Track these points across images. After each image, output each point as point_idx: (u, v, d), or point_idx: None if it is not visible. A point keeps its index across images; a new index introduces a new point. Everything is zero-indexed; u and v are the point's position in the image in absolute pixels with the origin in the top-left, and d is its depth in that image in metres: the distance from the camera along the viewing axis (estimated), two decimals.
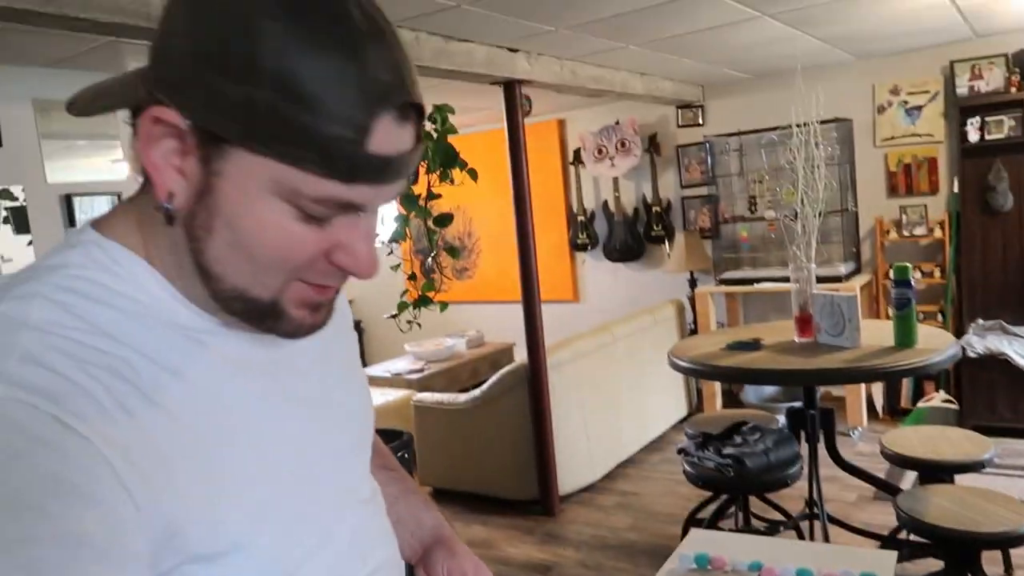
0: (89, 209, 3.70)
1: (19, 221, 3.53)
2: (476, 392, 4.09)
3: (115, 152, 3.83)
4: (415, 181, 3.27)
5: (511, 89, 3.90)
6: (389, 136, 0.56)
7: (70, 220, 3.63)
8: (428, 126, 3.27)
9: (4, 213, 3.51)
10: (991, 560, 2.85)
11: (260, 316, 0.62)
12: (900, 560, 2.75)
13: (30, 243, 3.56)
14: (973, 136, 4.58)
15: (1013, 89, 4.49)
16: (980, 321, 4.63)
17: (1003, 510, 2.29)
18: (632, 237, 6.08)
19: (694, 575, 1.22)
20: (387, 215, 3.46)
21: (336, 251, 0.60)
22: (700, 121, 5.74)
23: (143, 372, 0.58)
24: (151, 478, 0.54)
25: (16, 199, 3.53)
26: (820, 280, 3.48)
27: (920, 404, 4.60)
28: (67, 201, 3.63)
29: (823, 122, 3.43)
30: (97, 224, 0.65)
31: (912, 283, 2.71)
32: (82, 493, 0.49)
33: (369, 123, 0.55)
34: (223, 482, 0.60)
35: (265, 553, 0.63)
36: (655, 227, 5.98)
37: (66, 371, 0.54)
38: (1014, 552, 2.97)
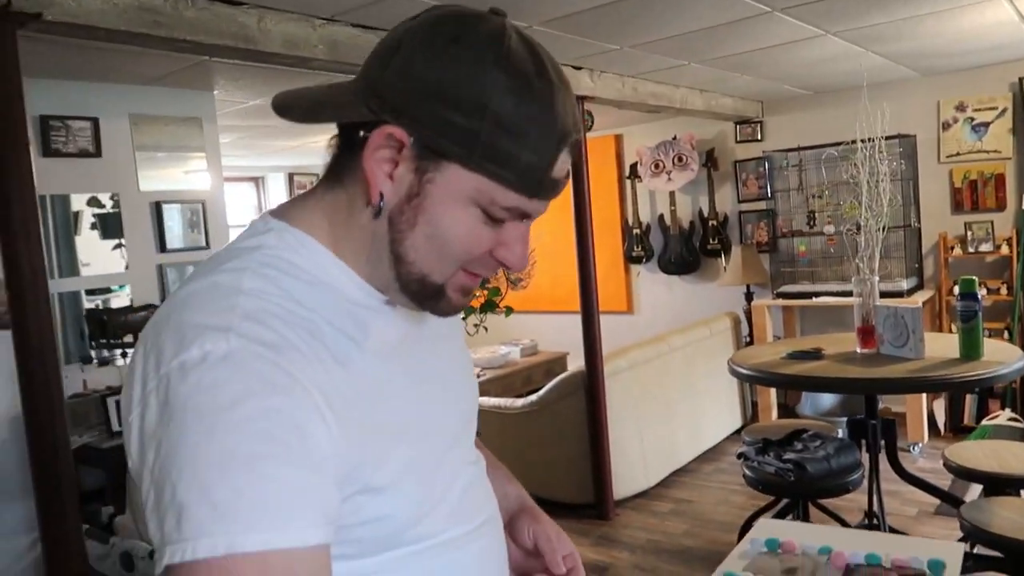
0: (175, 215, 3.93)
1: (105, 227, 3.75)
2: (533, 397, 4.19)
3: (195, 163, 4.05)
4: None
5: None
6: (563, 165, 0.72)
7: (159, 225, 3.85)
8: None
9: (92, 219, 3.74)
10: None
11: (428, 296, 0.75)
12: (964, 572, 2.75)
13: (115, 247, 3.78)
14: None
15: None
16: None
17: None
18: (688, 250, 6.13)
19: (765, 558, 1.29)
20: None
21: (500, 248, 0.74)
22: (759, 137, 5.77)
23: (328, 334, 0.70)
24: (342, 420, 0.67)
25: (104, 206, 3.76)
26: (882, 295, 3.49)
27: (985, 422, 4.54)
28: (156, 208, 3.85)
29: (887, 138, 3.45)
30: (279, 214, 0.79)
31: (978, 296, 2.73)
32: (300, 426, 0.62)
33: (556, 156, 0.71)
34: (384, 434, 0.73)
35: (409, 495, 0.75)
36: (711, 240, 6.01)
37: (278, 328, 0.66)
38: None
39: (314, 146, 6.13)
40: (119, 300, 3.76)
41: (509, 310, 3.31)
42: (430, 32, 0.69)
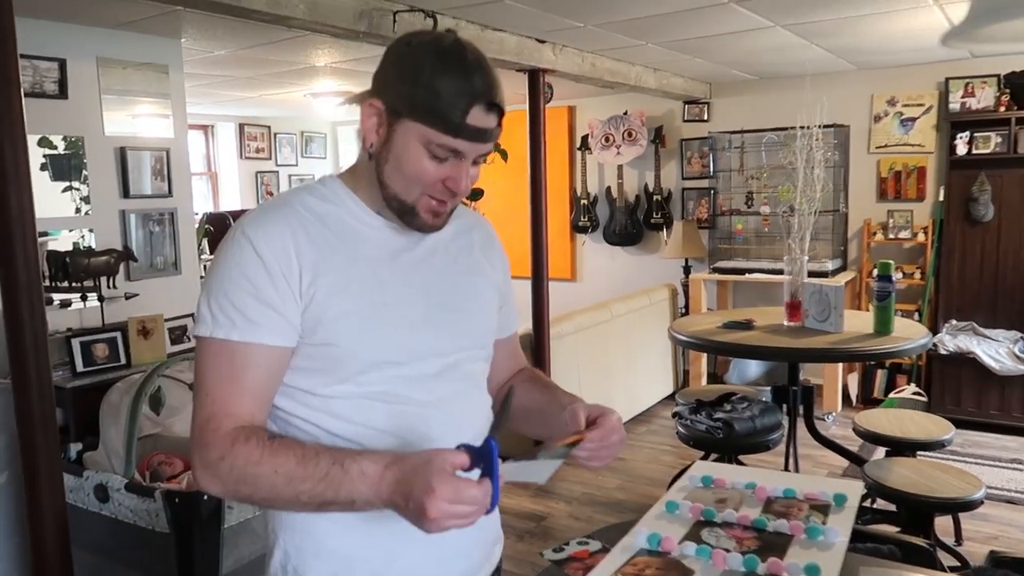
0: (138, 161, 3.94)
1: (56, 169, 3.71)
2: None
3: (160, 110, 4.06)
4: None
5: (535, 77, 4.17)
6: (479, 117, 1.04)
7: (123, 171, 3.86)
8: None
9: (42, 160, 3.70)
10: (945, 532, 3.21)
11: (404, 212, 1.10)
12: (863, 524, 3.09)
13: (65, 190, 3.74)
14: (961, 149, 4.90)
15: (1002, 108, 4.80)
16: (954, 321, 4.98)
17: (956, 480, 2.63)
18: (632, 223, 6.38)
19: (701, 491, 1.52)
20: None
21: (448, 180, 1.07)
22: (705, 117, 6.03)
23: (338, 231, 1.09)
24: (321, 285, 1.05)
25: (55, 148, 3.71)
26: (809, 274, 3.79)
27: (892, 395, 4.96)
28: (121, 153, 3.86)
29: (823, 127, 3.72)
30: (336, 176, 1.18)
31: (893, 278, 3.03)
32: (274, 276, 1.03)
33: (468, 108, 1.03)
34: (352, 295, 1.06)
35: (352, 337, 1.06)
36: (655, 214, 6.28)
37: (294, 220, 1.07)
38: (964, 524, 3.33)
39: (269, 99, 6.12)
40: (58, 245, 3.72)
41: None
42: (398, 43, 1.08)
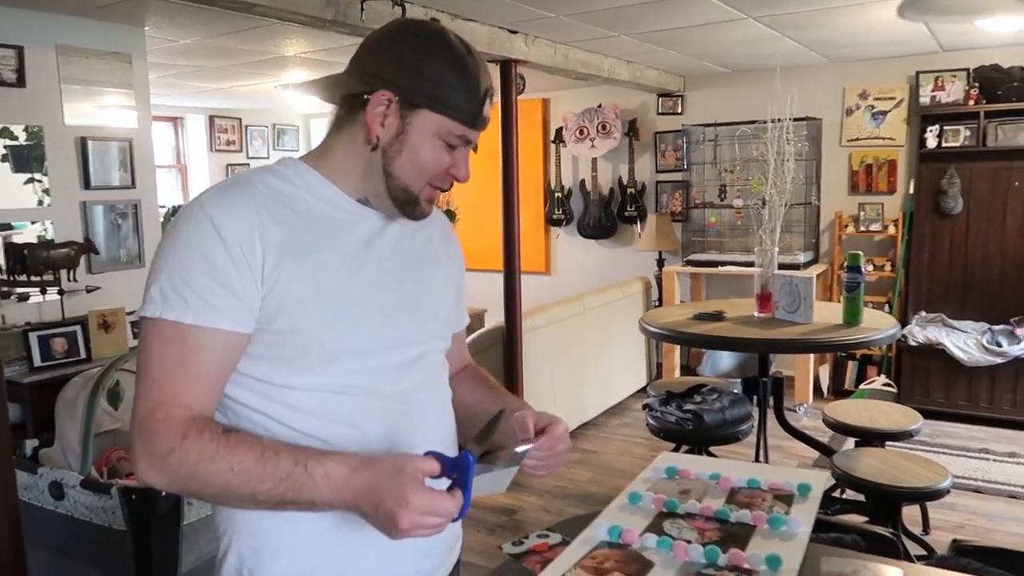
0: (100, 152, 3.86)
1: (18, 160, 3.62)
2: None
3: (123, 100, 3.97)
4: None
5: (507, 68, 4.13)
6: (488, 108, 1.10)
7: (83, 161, 3.78)
8: None
9: (3, 151, 3.59)
10: (913, 522, 3.23)
11: (408, 203, 1.09)
12: (832, 514, 3.10)
13: (27, 182, 3.66)
14: (931, 142, 4.94)
15: (971, 102, 4.84)
16: (923, 313, 5.02)
17: (923, 470, 2.64)
18: (606, 216, 6.37)
19: (665, 483, 1.51)
20: None
21: (452, 168, 1.09)
22: (679, 110, 6.03)
23: (305, 214, 1.05)
24: (286, 269, 1.00)
25: (16, 139, 3.63)
26: (781, 267, 3.80)
27: (862, 386, 5.00)
28: (82, 143, 3.77)
29: (795, 119, 3.73)
30: (299, 160, 1.13)
31: (863, 269, 3.04)
32: (235, 258, 0.97)
33: (484, 100, 1.09)
34: (316, 284, 1.02)
35: (315, 325, 1.01)
36: (629, 207, 6.27)
37: (257, 201, 1.02)
38: (932, 514, 3.35)
39: (240, 90, 6.02)
40: (22, 238, 3.63)
41: None
42: (402, 32, 1.08)
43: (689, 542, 1.21)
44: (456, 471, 0.94)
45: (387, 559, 1.08)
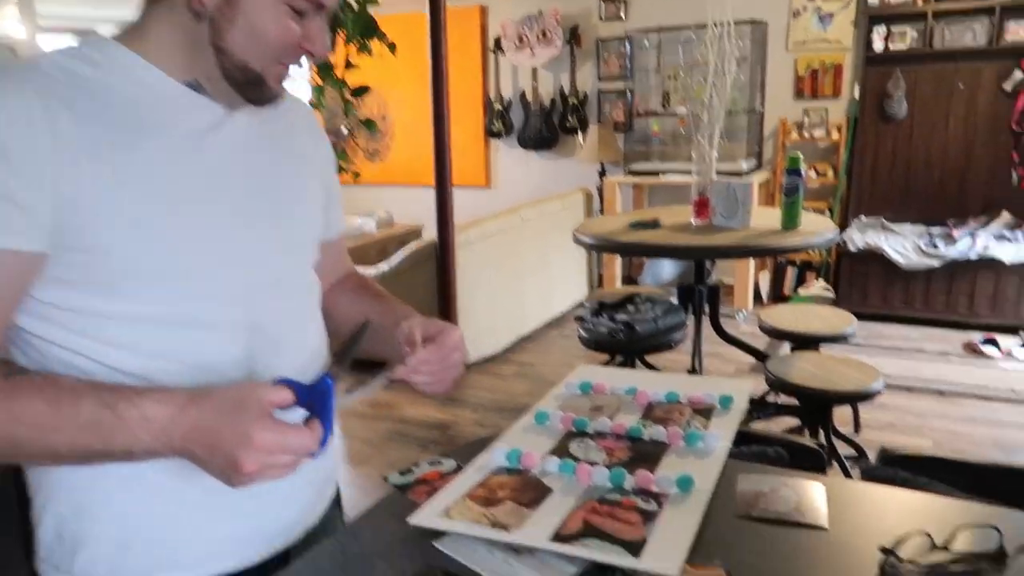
0: None
1: None
2: (384, 265, 4.16)
3: (6, 9, 3.59)
4: (332, 49, 3.22)
5: None
6: None
7: None
8: None
9: None
10: (845, 422, 3.24)
11: (249, 83, 0.88)
12: (765, 418, 3.08)
13: None
14: (878, 45, 4.82)
15: (920, 2, 4.71)
16: (862, 217, 4.99)
17: (855, 372, 2.60)
18: (547, 127, 6.15)
19: (577, 399, 1.38)
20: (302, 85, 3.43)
21: (305, 41, 0.88)
22: (623, 15, 5.76)
23: (116, 104, 0.83)
24: (87, 173, 0.79)
25: None
26: (723, 175, 3.67)
27: (801, 291, 4.99)
28: None
29: (739, 23, 3.52)
30: (111, 38, 0.89)
31: (802, 172, 2.92)
32: (11, 159, 0.75)
33: None
34: (157, 206, 0.83)
35: (134, 244, 0.82)
36: (570, 118, 6.05)
37: (44, 87, 0.79)
38: (863, 413, 3.37)
39: None
40: None
41: (356, 175, 3.24)
42: None
43: (594, 463, 1.09)
44: (313, 398, 0.80)
45: (242, 512, 0.92)
